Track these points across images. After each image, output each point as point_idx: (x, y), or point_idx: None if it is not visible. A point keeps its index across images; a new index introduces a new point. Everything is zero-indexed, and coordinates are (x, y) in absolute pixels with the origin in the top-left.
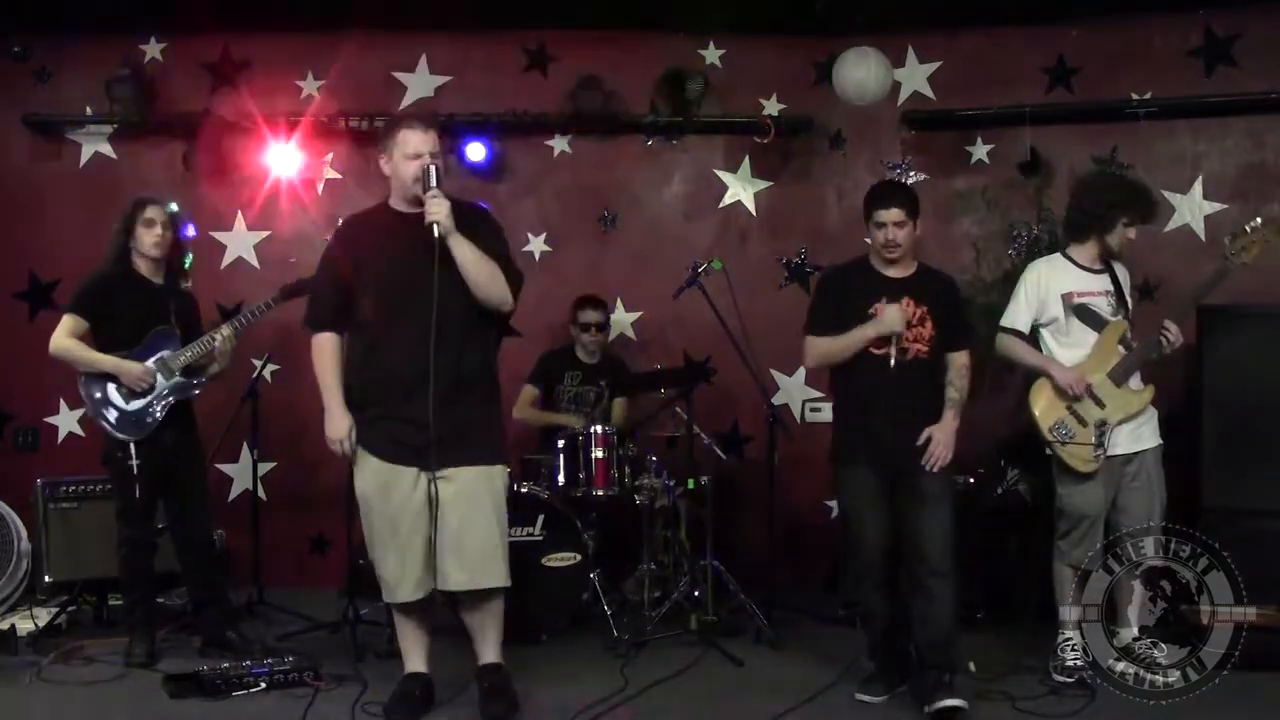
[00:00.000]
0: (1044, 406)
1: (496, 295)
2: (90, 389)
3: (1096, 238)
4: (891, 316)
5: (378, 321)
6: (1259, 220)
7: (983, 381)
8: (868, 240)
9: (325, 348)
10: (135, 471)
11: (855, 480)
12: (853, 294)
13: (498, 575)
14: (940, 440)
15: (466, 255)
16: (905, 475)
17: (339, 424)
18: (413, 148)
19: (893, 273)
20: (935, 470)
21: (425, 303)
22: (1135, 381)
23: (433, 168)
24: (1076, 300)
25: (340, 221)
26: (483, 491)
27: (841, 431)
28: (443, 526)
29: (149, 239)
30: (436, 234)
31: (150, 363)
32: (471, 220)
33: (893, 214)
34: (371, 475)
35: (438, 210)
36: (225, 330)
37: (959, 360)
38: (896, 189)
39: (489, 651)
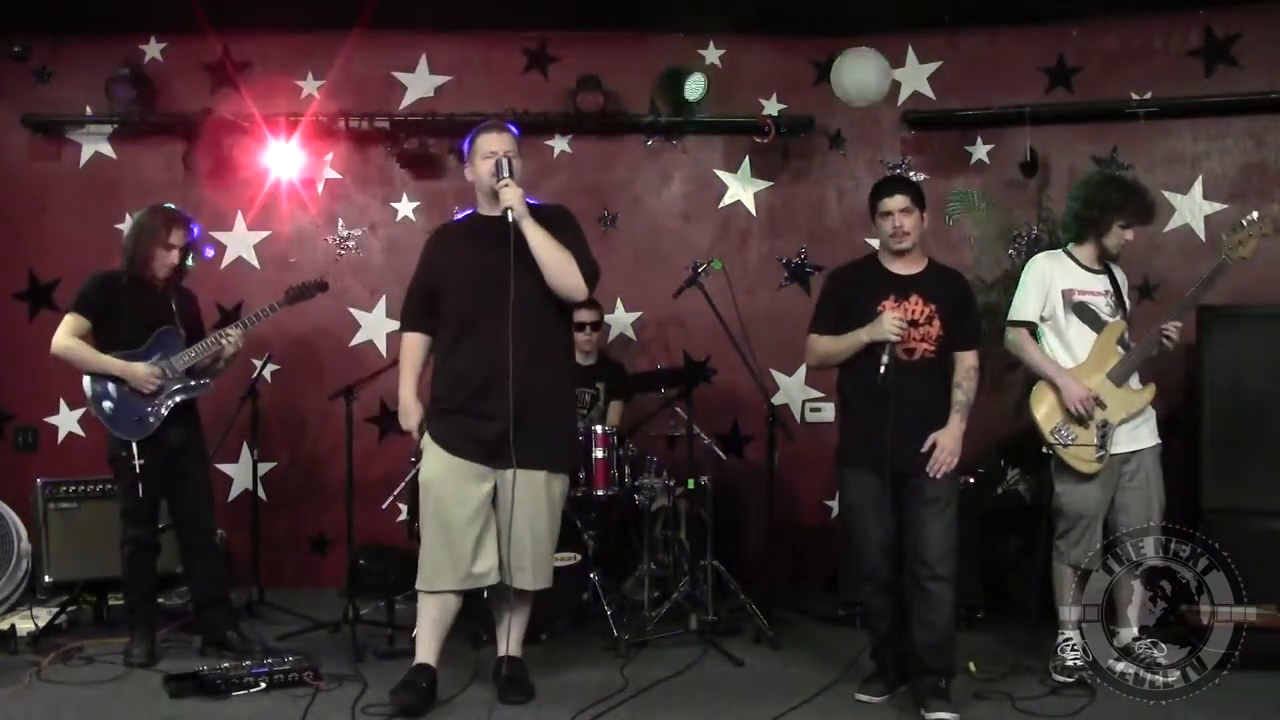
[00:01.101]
0: (1046, 409)
1: (569, 281)
2: (94, 389)
3: (1094, 240)
4: (886, 325)
5: (458, 320)
6: (1255, 214)
7: (983, 381)
8: (871, 242)
9: (409, 344)
10: (139, 471)
11: (859, 482)
12: (861, 291)
13: (543, 578)
14: (945, 446)
15: (539, 240)
16: (909, 477)
17: (410, 416)
18: (488, 148)
19: (902, 269)
20: (939, 477)
21: (503, 301)
22: (1134, 382)
23: (504, 161)
24: (1077, 298)
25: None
26: (541, 497)
27: (847, 432)
28: (512, 526)
29: (163, 261)
30: (510, 219)
31: (154, 363)
32: (549, 215)
33: (897, 201)
34: (435, 465)
35: (510, 196)
36: (235, 332)
37: (967, 361)
38: (899, 179)
39: (514, 645)
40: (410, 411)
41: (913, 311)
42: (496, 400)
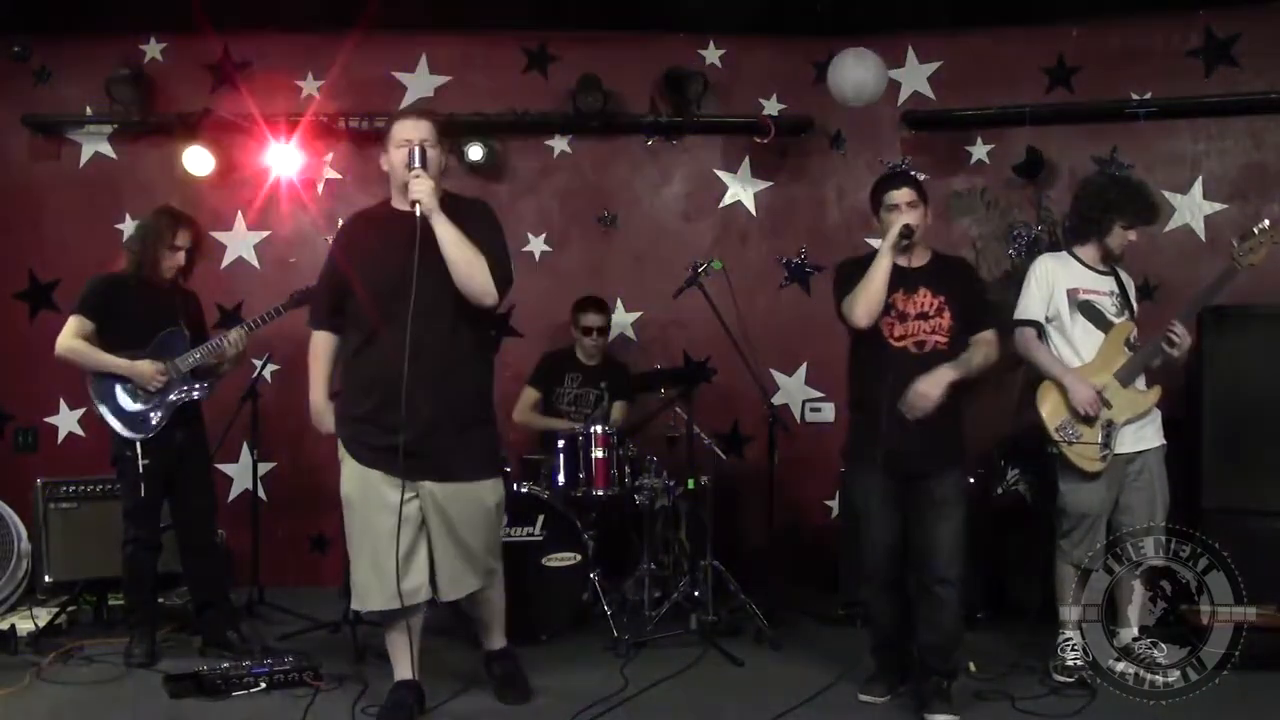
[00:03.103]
0: (1051, 407)
1: (477, 284)
2: (99, 389)
3: (1096, 240)
4: (895, 228)
5: (365, 322)
6: (1267, 222)
7: (983, 381)
8: (871, 242)
9: (317, 345)
10: (143, 471)
11: (866, 480)
12: None
13: (477, 580)
14: (920, 391)
15: (447, 236)
16: (918, 478)
17: (323, 418)
18: (403, 135)
19: (907, 263)
20: (910, 416)
21: (408, 306)
22: (1140, 382)
23: (416, 149)
24: (1082, 296)
25: (341, 221)
26: (464, 507)
27: (855, 429)
28: (432, 540)
29: (170, 263)
30: (418, 213)
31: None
32: (466, 210)
33: (904, 194)
34: (350, 479)
35: (419, 189)
36: (235, 333)
37: (983, 336)
38: (903, 174)
39: (495, 639)
40: (322, 413)
41: (921, 304)
42: (400, 409)
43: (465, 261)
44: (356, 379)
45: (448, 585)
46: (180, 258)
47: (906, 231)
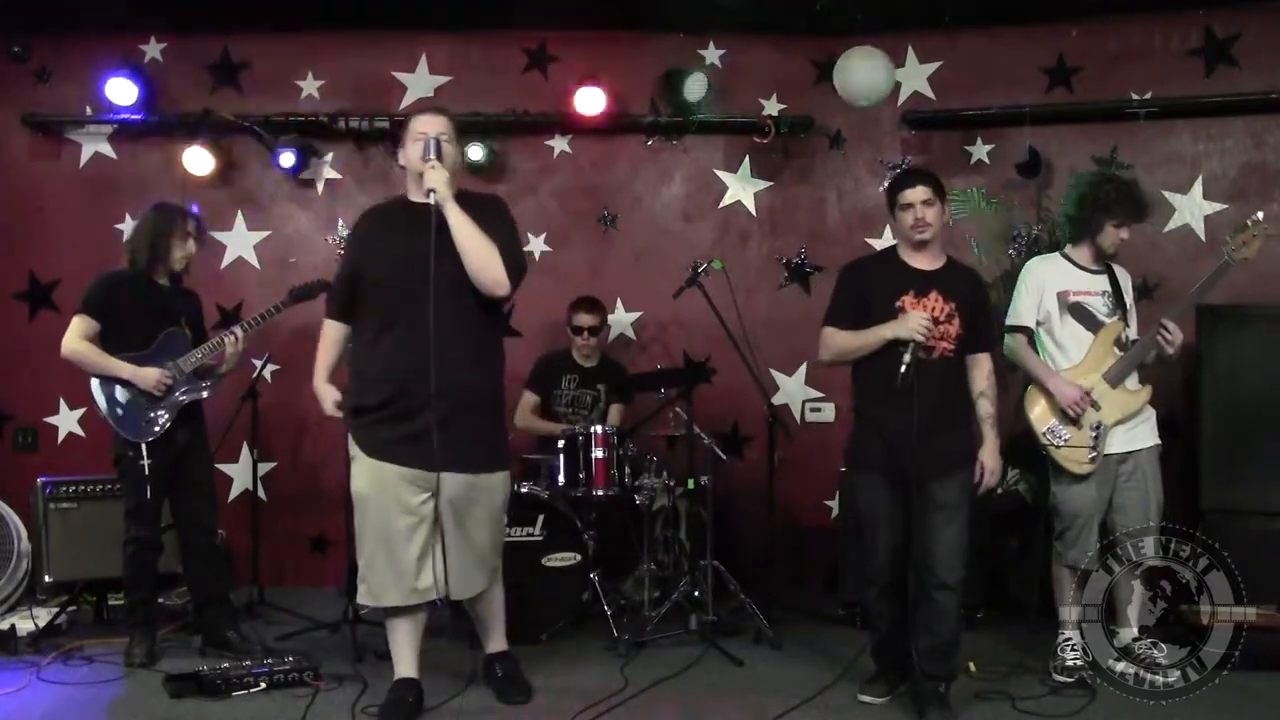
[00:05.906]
0: (1040, 410)
1: (491, 274)
2: (103, 391)
3: (1089, 240)
4: (913, 323)
5: (378, 314)
6: (1259, 215)
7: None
8: (871, 242)
9: (327, 333)
10: (146, 472)
11: (871, 487)
12: (879, 286)
13: (485, 580)
14: (993, 470)
15: (461, 225)
16: (924, 481)
17: (324, 398)
18: (419, 129)
19: (921, 265)
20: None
21: (425, 295)
22: (1132, 382)
23: (433, 141)
24: (1072, 298)
25: (342, 219)
26: (479, 500)
27: (858, 435)
28: (445, 537)
29: (180, 253)
30: (433, 201)
31: (162, 365)
32: (480, 204)
33: (919, 192)
34: (363, 476)
35: (434, 178)
36: (236, 332)
37: (985, 366)
38: (920, 171)
39: (496, 641)
40: (324, 395)
41: (933, 309)
42: (419, 398)
43: (478, 250)
44: (371, 368)
45: (458, 585)
46: (191, 245)
47: (917, 348)
